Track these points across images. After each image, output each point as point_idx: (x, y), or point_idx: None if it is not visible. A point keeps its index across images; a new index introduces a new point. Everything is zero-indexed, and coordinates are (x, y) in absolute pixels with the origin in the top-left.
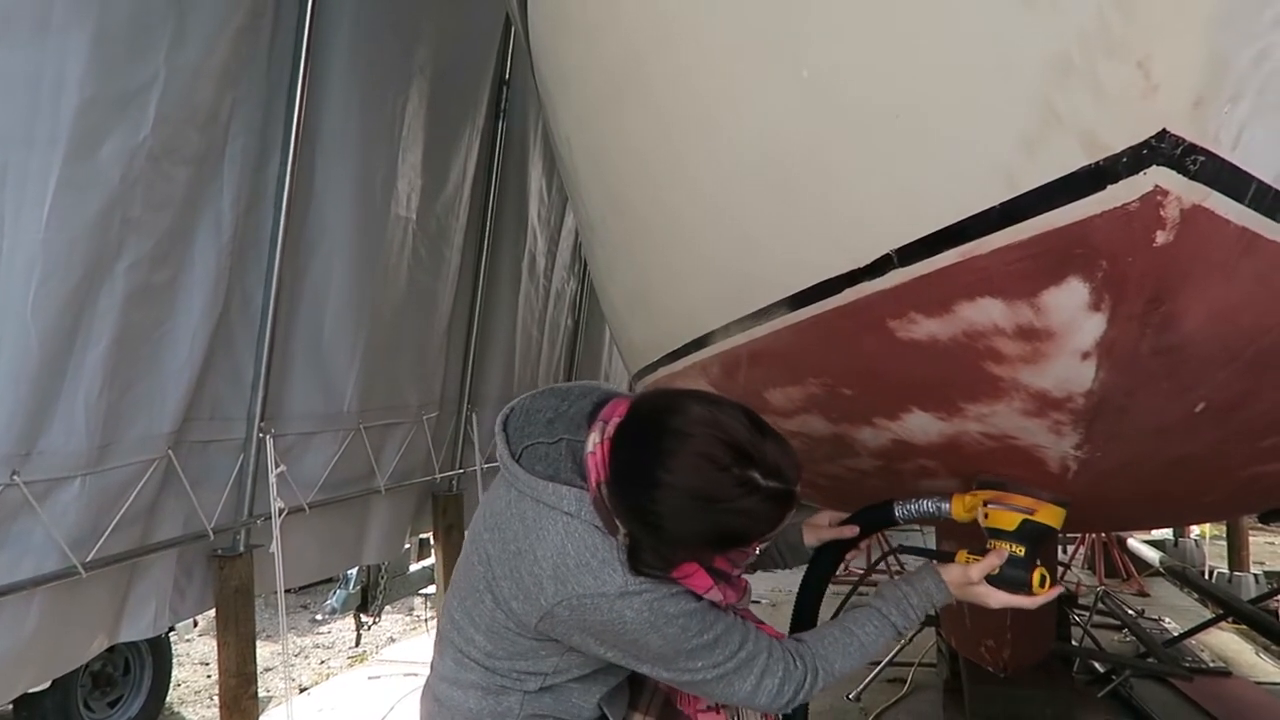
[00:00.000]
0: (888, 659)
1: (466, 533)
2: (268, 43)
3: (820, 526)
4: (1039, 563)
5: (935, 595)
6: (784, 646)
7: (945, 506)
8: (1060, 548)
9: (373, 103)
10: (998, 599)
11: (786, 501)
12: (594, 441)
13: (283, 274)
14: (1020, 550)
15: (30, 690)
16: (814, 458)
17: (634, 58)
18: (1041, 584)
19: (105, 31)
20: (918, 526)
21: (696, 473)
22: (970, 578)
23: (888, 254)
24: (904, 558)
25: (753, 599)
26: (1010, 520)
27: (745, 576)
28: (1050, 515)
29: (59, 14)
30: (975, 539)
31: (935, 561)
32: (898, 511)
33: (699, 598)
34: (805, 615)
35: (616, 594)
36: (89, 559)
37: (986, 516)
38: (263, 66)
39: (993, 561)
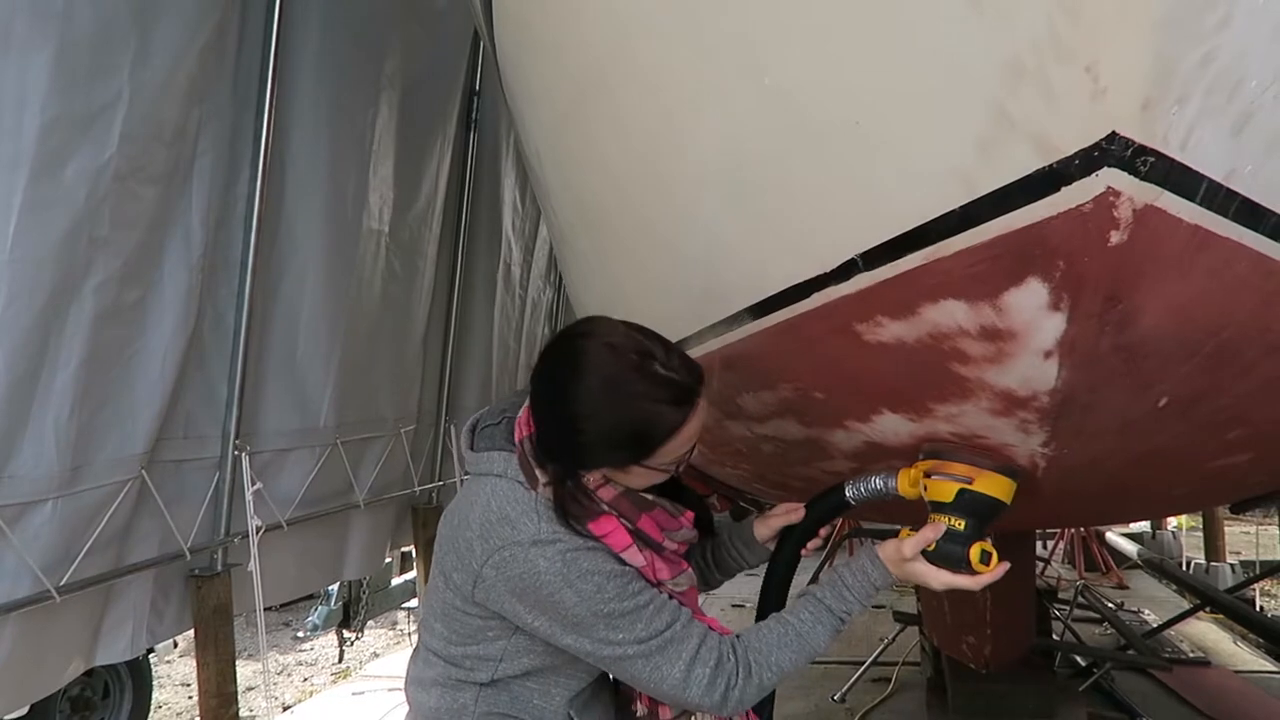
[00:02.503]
0: (871, 659)
1: None
2: (234, 57)
3: (772, 517)
4: (982, 538)
5: (872, 574)
6: (720, 638)
7: (892, 482)
8: (1040, 543)
9: (342, 116)
10: (938, 579)
11: (686, 396)
12: (523, 408)
13: (254, 290)
14: (960, 524)
15: (6, 717)
16: (789, 461)
17: (597, 72)
18: (984, 561)
19: (67, 49)
20: None
21: (602, 364)
22: (903, 553)
23: (853, 258)
24: None
25: (735, 603)
26: (947, 491)
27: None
28: (992, 485)
29: (19, 32)
30: None
31: (873, 541)
32: (849, 492)
33: (621, 562)
34: (770, 608)
35: (529, 541)
36: (63, 583)
37: (926, 489)
38: (229, 81)
39: (927, 535)
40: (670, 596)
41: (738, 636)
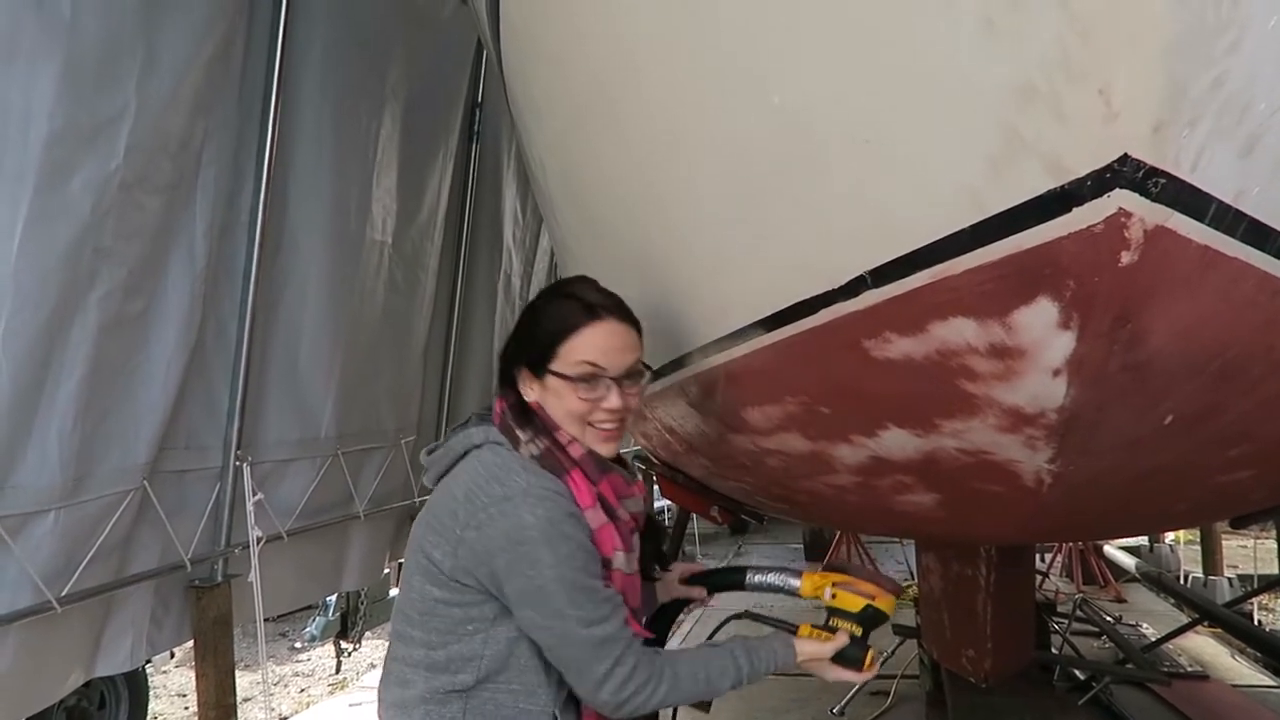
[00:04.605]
0: None
1: None
2: (239, 69)
3: (671, 584)
4: (869, 645)
5: (780, 657)
6: (642, 649)
7: (795, 583)
8: (1039, 556)
9: (346, 127)
10: (834, 674)
11: (590, 310)
12: (498, 407)
13: (257, 301)
14: (858, 631)
15: None
16: (793, 474)
17: (601, 87)
18: (871, 663)
19: (74, 61)
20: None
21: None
22: (823, 654)
23: (861, 275)
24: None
25: (735, 614)
26: (855, 603)
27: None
28: (886, 604)
29: (27, 44)
30: None
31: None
32: (749, 578)
33: (589, 533)
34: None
35: (520, 493)
36: (64, 593)
37: (834, 597)
38: (234, 93)
39: (842, 641)
40: (618, 588)
41: (657, 651)
